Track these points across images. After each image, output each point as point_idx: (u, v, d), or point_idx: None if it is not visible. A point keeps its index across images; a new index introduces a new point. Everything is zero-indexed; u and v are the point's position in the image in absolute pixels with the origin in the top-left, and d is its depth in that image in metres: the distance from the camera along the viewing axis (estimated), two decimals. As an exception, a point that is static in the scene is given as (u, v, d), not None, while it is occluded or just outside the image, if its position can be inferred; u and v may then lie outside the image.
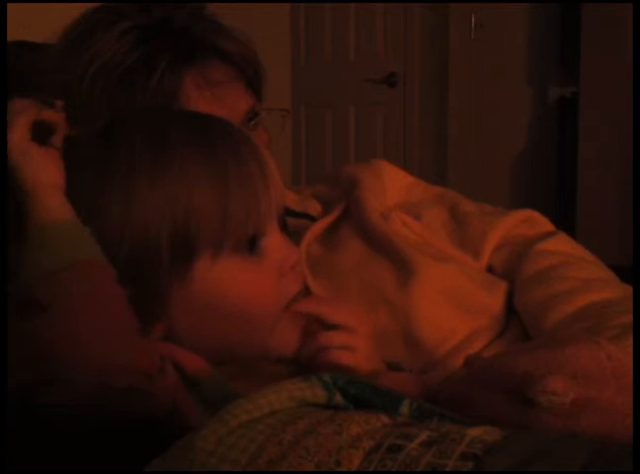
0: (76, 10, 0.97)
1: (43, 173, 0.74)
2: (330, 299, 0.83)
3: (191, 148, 0.76)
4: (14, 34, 1.07)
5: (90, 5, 0.98)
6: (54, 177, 0.74)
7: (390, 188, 1.14)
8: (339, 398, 0.63)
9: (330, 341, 0.81)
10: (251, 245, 0.78)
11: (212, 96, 0.95)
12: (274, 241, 0.79)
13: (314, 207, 1.14)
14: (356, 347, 0.81)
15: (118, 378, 0.67)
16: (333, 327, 0.82)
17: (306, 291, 0.92)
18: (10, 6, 0.99)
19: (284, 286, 0.80)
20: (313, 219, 1.11)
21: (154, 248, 0.73)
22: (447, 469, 0.53)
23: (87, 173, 0.76)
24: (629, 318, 0.90)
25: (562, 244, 1.08)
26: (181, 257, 0.74)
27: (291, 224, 1.05)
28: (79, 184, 0.75)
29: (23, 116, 0.76)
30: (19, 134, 0.74)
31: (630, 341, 0.84)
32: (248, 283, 0.78)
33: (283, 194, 0.84)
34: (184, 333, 0.77)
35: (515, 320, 1.03)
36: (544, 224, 1.12)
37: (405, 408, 0.64)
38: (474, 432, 0.56)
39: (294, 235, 0.96)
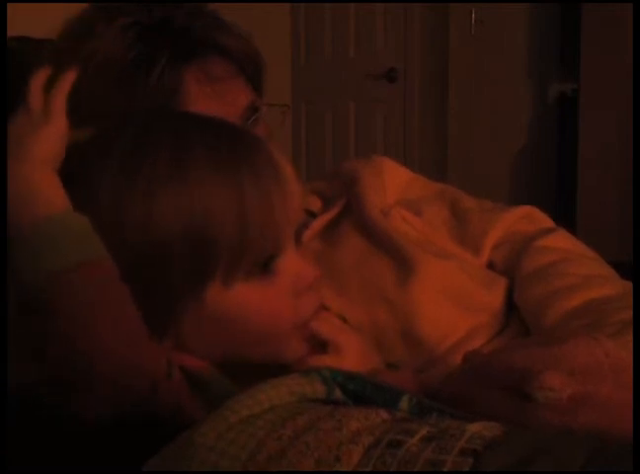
0: (75, 8, 0.97)
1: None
2: (320, 313, 0.82)
3: (208, 157, 0.73)
4: (13, 30, 1.07)
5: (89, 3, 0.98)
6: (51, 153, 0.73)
7: (390, 184, 1.14)
8: (338, 393, 0.63)
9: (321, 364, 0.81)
10: (266, 264, 0.76)
11: (213, 92, 0.95)
12: (289, 260, 0.77)
13: (314, 203, 1.13)
14: (342, 367, 0.81)
15: (130, 381, 0.67)
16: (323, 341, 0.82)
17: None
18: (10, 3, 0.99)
19: (300, 307, 0.79)
20: (313, 215, 1.11)
21: (167, 263, 0.71)
22: (446, 468, 0.52)
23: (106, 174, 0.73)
24: (629, 314, 0.90)
25: (562, 240, 1.08)
26: (195, 275, 0.73)
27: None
28: (96, 186, 0.72)
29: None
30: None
31: (630, 337, 0.84)
32: (262, 306, 0.76)
33: (302, 203, 0.82)
34: (194, 346, 0.76)
35: (515, 317, 1.03)
36: (544, 221, 1.12)
37: (404, 403, 0.64)
38: (474, 427, 0.56)
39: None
